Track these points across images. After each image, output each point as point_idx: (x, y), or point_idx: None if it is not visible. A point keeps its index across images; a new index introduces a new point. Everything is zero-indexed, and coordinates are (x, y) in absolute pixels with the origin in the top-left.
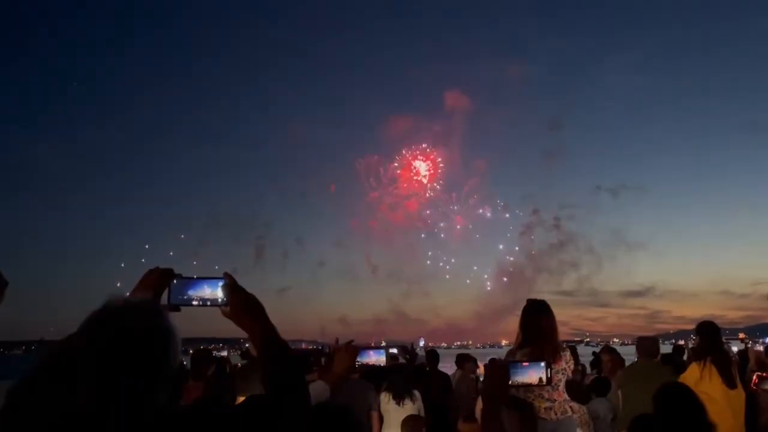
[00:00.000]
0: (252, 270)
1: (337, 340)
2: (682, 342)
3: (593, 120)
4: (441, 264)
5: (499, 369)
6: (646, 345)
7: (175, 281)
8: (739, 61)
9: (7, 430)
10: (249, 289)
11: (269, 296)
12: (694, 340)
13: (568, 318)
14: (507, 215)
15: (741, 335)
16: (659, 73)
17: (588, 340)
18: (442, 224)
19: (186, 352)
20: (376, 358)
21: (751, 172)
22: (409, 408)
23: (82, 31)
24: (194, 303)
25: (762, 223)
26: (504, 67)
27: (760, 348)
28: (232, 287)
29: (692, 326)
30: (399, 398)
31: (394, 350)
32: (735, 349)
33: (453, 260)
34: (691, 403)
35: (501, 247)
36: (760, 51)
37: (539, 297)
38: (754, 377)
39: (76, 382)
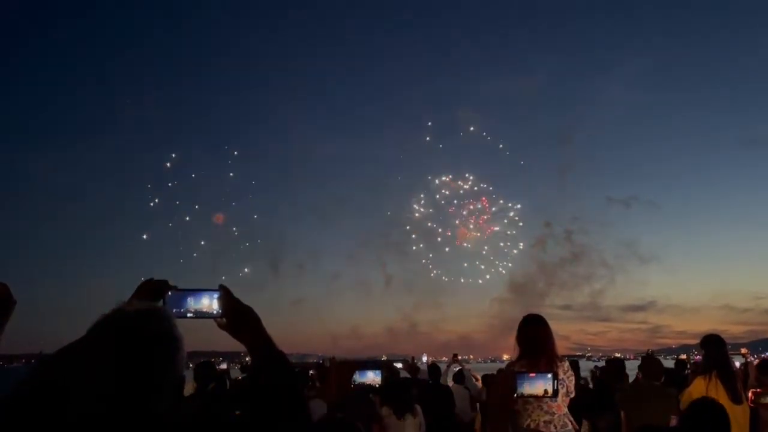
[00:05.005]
0: (267, 283)
1: (333, 359)
2: (684, 356)
3: (601, 133)
4: (453, 278)
5: (507, 379)
6: (649, 365)
7: (170, 293)
8: (747, 77)
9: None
10: (265, 302)
11: (284, 308)
12: (696, 354)
13: (569, 332)
14: (518, 228)
15: (743, 350)
16: (667, 87)
17: (590, 354)
18: (456, 237)
19: (186, 366)
20: (372, 377)
21: (753, 187)
22: (411, 422)
23: (77, 42)
24: (189, 315)
25: (764, 237)
26: (512, 81)
27: (755, 362)
28: (227, 299)
29: (694, 341)
30: (400, 412)
31: (399, 365)
32: (737, 363)
33: (464, 274)
34: (723, 421)
35: (512, 260)
36: None
37: (542, 311)
38: (750, 393)
39: (78, 385)
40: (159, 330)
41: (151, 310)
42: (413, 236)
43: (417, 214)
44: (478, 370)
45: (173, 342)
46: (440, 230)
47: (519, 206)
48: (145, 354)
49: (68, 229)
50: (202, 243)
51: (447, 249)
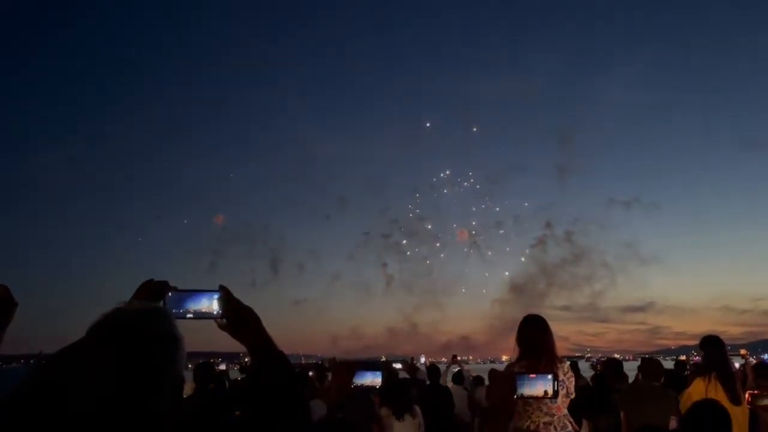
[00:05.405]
0: (267, 283)
1: (333, 359)
2: (683, 357)
3: (601, 133)
4: (453, 278)
5: (506, 380)
6: (649, 366)
7: (170, 294)
8: (748, 77)
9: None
10: (265, 302)
11: (284, 309)
12: (695, 355)
13: (568, 333)
14: (519, 228)
15: (743, 351)
16: (667, 87)
17: (589, 355)
18: (456, 237)
19: (185, 367)
20: (371, 379)
21: (753, 188)
22: (410, 423)
23: (78, 42)
24: (189, 316)
25: (763, 238)
26: (512, 81)
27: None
28: (227, 299)
29: (693, 342)
30: (399, 413)
31: (398, 365)
32: (737, 364)
33: (466, 275)
34: (724, 422)
35: (512, 261)
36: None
37: (542, 312)
38: (747, 395)
39: (78, 385)
40: (159, 330)
41: (151, 311)
42: (413, 236)
43: (414, 215)
44: (476, 371)
45: (173, 342)
46: (440, 231)
47: (519, 206)
48: (145, 354)
49: (68, 229)
50: (201, 245)
51: (447, 249)
